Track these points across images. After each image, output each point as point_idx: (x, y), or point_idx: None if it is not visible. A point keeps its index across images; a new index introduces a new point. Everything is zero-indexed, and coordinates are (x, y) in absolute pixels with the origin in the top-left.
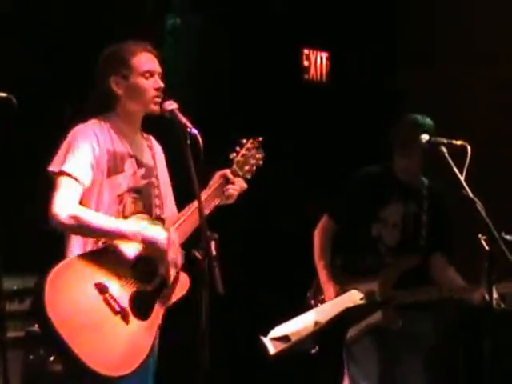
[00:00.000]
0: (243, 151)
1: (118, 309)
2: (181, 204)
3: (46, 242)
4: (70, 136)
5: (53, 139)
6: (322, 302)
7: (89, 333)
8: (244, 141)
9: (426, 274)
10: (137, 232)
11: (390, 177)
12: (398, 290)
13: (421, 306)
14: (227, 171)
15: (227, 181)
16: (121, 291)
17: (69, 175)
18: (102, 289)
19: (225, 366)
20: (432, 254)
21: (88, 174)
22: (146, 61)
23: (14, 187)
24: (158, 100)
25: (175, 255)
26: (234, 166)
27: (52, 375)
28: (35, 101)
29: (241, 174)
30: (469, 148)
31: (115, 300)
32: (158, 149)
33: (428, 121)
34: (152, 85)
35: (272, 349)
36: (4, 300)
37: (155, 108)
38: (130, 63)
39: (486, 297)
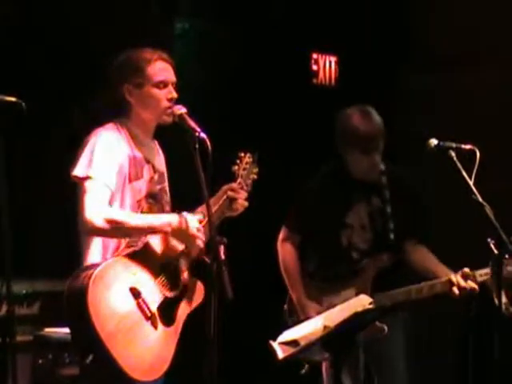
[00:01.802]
0: (244, 165)
1: (149, 314)
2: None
3: (55, 247)
4: (91, 140)
5: (60, 143)
6: (298, 320)
7: (124, 337)
8: (242, 154)
9: (401, 271)
10: (166, 223)
11: (344, 178)
12: (377, 294)
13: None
14: (234, 185)
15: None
16: (152, 297)
17: (96, 179)
18: (136, 293)
19: (233, 370)
20: (405, 240)
21: (113, 178)
22: (160, 70)
23: (22, 191)
24: (171, 111)
25: (202, 239)
26: (240, 180)
27: (60, 379)
28: (42, 104)
29: (245, 187)
30: (477, 152)
31: (147, 305)
32: (161, 153)
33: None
34: (165, 95)
35: (281, 353)
36: (13, 304)
37: (168, 119)
38: (144, 72)
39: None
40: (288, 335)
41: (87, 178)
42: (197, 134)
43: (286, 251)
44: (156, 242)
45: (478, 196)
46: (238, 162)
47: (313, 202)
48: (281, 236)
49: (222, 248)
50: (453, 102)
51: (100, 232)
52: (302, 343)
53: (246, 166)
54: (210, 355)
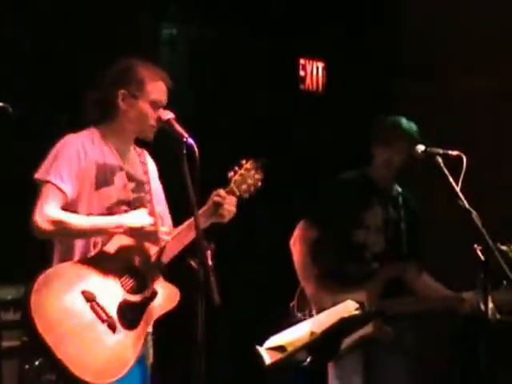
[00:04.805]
0: (241, 171)
1: (104, 317)
2: (176, 214)
3: (41, 252)
4: (57, 145)
5: (52, 146)
6: (310, 315)
7: (74, 339)
8: (243, 161)
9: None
10: (119, 223)
11: (368, 182)
12: (385, 300)
13: (405, 316)
14: (221, 191)
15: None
16: (109, 300)
17: (53, 184)
18: (89, 296)
19: (220, 376)
20: (408, 263)
21: (72, 184)
22: (159, 91)
23: (8, 198)
24: (154, 130)
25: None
26: (231, 185)
27: None
28: (29, 111)
29: (237, 193)
30: (464, 158)
31: (102, 308)
32: (150, 164)
33: (411, 124)
34: (155, 116)
35: (268, 359)
36: None
37: (150, 136)
38: (144, 86)
39: (478, 305)
40: (275, 341)
41: (46, 181)
42: (184, 139)
43: (305, 247)
44: (121, 245)
45: (465, 202)
46: (236, 168)
47: (336, 197)
48: (299, 231)
49: (209, 253)
50: (442, 111)
51: (46, 233)
52: (289, 349)
53: (242, 173)
54: (198, 361)
